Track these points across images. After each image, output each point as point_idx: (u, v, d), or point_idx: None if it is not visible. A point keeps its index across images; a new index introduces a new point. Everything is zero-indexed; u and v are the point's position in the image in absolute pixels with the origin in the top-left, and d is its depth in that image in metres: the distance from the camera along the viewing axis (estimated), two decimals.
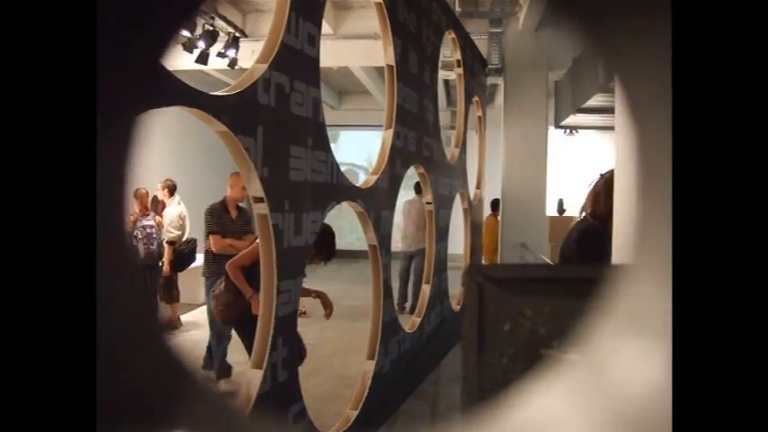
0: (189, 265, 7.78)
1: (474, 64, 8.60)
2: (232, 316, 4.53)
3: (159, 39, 0.45)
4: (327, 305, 4.58)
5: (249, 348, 4.20)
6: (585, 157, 12.66)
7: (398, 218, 9.06)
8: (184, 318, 8.16)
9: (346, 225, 11.66)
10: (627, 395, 0.41)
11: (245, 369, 4.31)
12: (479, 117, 9.25)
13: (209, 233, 4.93)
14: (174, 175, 7.91)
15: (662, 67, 0.39)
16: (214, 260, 4.89)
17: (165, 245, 7.25)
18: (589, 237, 3.14)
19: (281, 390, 3.27)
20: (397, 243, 9.03)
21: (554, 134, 12.04)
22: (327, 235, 4.37)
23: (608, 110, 9.26)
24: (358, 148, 15.30)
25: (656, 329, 0.40)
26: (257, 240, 4.04)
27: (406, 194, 8.69)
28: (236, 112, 2.80)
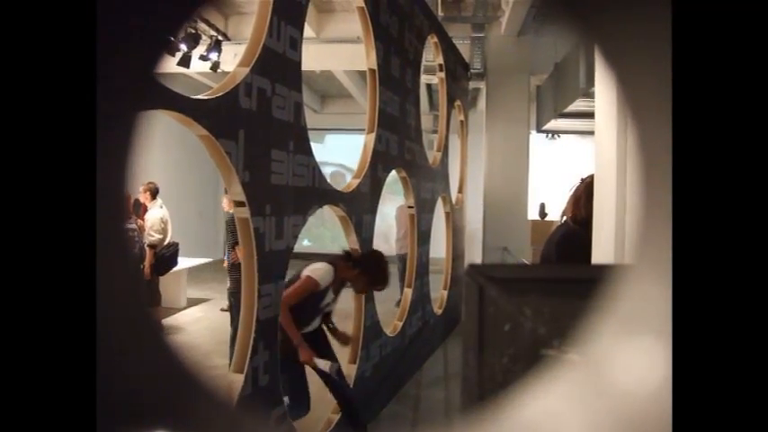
0: (170, 269, 7.74)
1: (456, 68, 8.62)
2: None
3: (159, 40, 0.45)
4: (345, 340, 4.45)
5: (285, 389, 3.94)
6: (567, 162, 12.71)
7: (393, 223, 9.17)
8: (165, 322, 8.12)
9: (327, 234, 11.70)
10: (627, 395, 0.41)
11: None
12: (461, 121, 9.27)
13: (234, 244, 4.63)
14: (155, 178, 7.87)
15: (662, 65, 0.39)
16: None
17: (147, 248, 7.20)
18: (570, 241, 3.15)
19: (263, 393, 3.26)
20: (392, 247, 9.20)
21: (536, 138, 12.08)
22: (380, 261, 4.26)
23: (589, 115, 9.32)
24: (347, 150, 15.23)
25: (656, 329, 0.40)
26: (305, 275, 3.89)
27: (395, 199, 8.71)
28: (217, 115, 2.79)
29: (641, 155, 0.45)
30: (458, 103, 8.81)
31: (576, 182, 3.25)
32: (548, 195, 11.15)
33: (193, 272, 9.30)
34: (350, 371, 4.52)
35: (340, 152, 15.10)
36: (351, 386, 4.35)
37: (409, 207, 6.20)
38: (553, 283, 0.72)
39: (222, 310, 8.84)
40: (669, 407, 0.38)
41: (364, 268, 4.15)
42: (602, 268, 0.57)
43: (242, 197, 3.00)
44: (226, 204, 8.84)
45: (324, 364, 3.98)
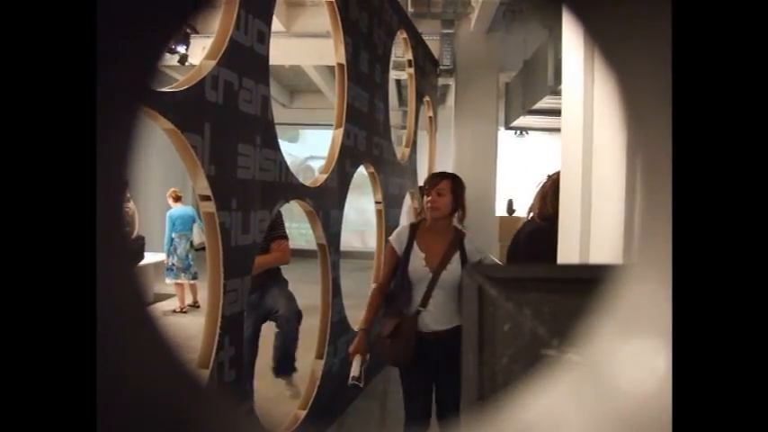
0: (138, 263, 7.71)
1: (425, 64, 8.64)
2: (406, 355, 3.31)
3: (162, 34, 0.45)
4: None
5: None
6: (535, 158, 12.81)
7: (404, 218, 9.32)
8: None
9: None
10: (627, 395, 0.41)
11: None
12: (430, 117, 9.29)
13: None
14: None
15: (662, 65, 0.39)
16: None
17: None
18: (537, 237, 3.18)
19: (229, 389, 3.24)
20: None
21: (504, 135, 12.15)
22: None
23: (557, 112, 9.38)
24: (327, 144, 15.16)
25: (657, 329, 0.40)
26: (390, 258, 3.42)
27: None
28: (182, 109, 2.76)
29: (641, 154, 0.45)
30: (427, 99, 8.83)
31: (543, 178, 3.28)
32: (515, 192, 11.24)
33: (159, 267, 9.22)
34: (317, 366, 4.51)
35: (323, 145, 14.98)
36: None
37: (377, 203, 6.20)
38: (553, 283, 0.72)
39: (174, 311, 8.81)
40: (669, 407, 0.38)
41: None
42: (602, 268, 0.57)
43: (208, 191, 2.97)
44: (170, 199, 8.89)
45: (355, 369, 3.32)
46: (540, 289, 0.68)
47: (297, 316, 4.35)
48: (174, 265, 8.67)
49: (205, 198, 3.00)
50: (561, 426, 0.43)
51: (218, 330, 3.07)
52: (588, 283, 0.54)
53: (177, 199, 8.88)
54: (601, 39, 0.46)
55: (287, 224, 4.33)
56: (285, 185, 3.84)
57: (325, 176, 4.53)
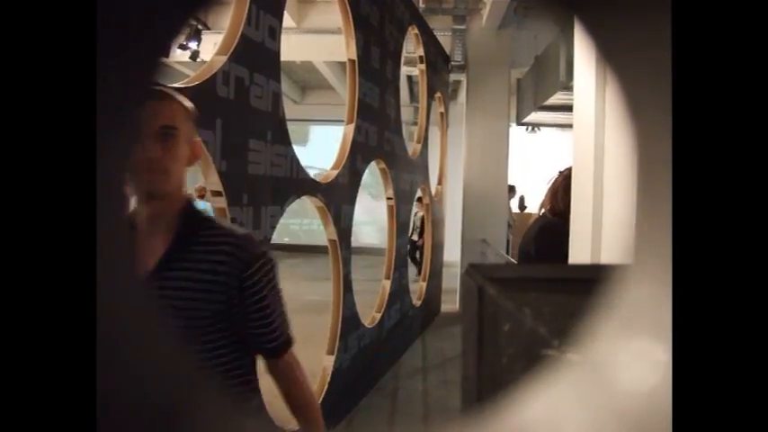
0: None
1: (437, 60, 8.63)
2: None
3: (164, 30, 0.45)
4: None
5: None
6: (547, 154, 12.77)
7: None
8: None
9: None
10: (627, 395, 0.40)
11: None
12: (442, 113, 9.28)
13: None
14: None
15: (662, 65, 0.39)
16: None
17: None
18: (548, 233, 3.17)
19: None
20: None
21: (516, 131, 12.13)
22: None
23: (569, 108, 9.35)
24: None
25: (657, 329, 0.40)
26: None
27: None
28: (194, 104, 2.76)
29: (640, 153, 0.45)
30: (438, 94, 8.82)
31: (554, 175, 3.27)
32: (528, 188, 11.22)
33: None
34: (327, 363, 4.52)
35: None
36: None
37: (388, 198, 6.20)
38: (553, 283, 0.71)
39: None
40: (669, 407, 0.38)
41: None
42: (603, 268, 0.57)
43: (219, 187, 2.98)
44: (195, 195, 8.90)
45: None
46: (541, 289, 0.67)
47: None
48: None
49: (217, 193, 3.00)
50: (561, 426, 0.43)
51: None
52: (589, 282, 0.54)
53: (203, 195, 8.89)
54: (605, 45, 0.46)
55: (297, 221, 4.35)
56: (296, 181, 3.85)
57: (336, 172, 4.53)
